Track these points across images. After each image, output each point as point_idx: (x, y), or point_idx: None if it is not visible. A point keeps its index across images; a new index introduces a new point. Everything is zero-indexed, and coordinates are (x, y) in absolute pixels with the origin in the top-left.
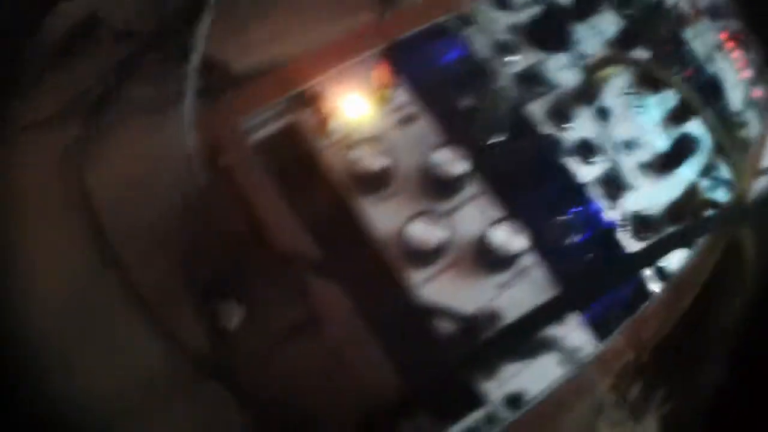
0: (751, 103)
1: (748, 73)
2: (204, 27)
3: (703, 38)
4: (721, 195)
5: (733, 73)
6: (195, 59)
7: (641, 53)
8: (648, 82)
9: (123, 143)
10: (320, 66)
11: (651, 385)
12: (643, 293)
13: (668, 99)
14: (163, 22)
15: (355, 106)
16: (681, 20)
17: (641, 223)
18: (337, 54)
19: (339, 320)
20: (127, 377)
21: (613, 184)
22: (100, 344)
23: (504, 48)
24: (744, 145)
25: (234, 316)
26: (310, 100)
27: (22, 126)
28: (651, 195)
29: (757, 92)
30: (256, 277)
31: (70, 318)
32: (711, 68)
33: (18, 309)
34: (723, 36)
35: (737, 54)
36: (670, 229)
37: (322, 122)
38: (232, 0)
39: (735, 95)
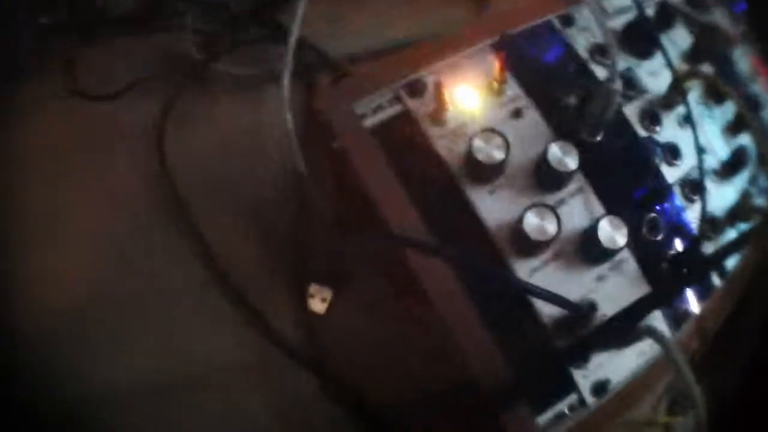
0: None
1: None
2: (301, 8)
3: (744, 60)
4: (762, 202)
5: (765, 95)
6: (293, 40)
7: (707, 68)
8: (713, 95)
9: (213, 119)
10: (431, 56)
11: (700, 377)
12: (709, 288)
13: (727, 112)
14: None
15: (470, 96)
16: (730, 41)
17: (711, 224)
18: (448, 45)
19: (448, 303)
20: (131, 375)
21: (692, 186)
22: (103, 342)
23: (601, 50)
24: None
25: (324, 299)
26: (424, 88)
27: (94, 96)
28: (718, 198)
29: None
30: (355, 262)
31: (73, 316)
32: (752, 88)
33: (20, 308)
34: (755, 61)
35: (766, 78)
36: (729, 231)
37: (437, 110)
38: None
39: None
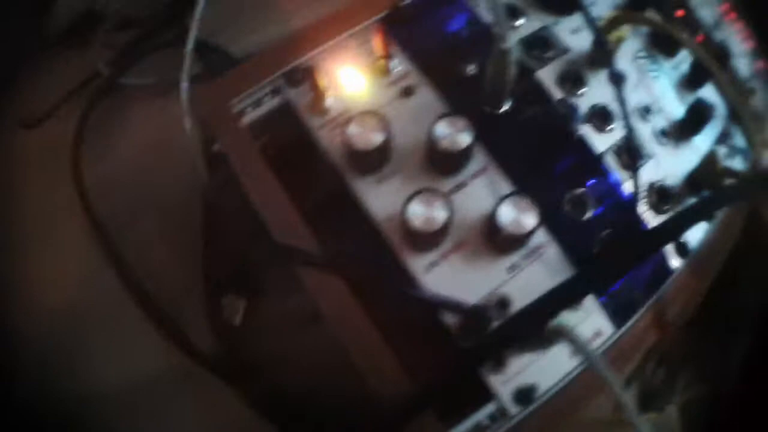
0: (755, 74)
1: (751, 44)
2: (199, 11)
3: (707, 6)
4: (738, 163)
5: (738, 42)
6: (190, 43)
7: (653, 15)
8: (661, 45)
9: (123, 133)
10: (314, 40)
11: (673, 372)
12: (665, 271)
13: (681, 64)
14: (159, 10)
15: (352, 79)
16: None
17: (661, 195)
18: (333, 27)
19: (340, 316)
20: (131, 375)
21: (631, 154)
22: (102, 342)
23: (511, 11)
24: (755, 114)
25: (238, 310)
26: (303, 77)
27: (22, 121)
28: (669, 164)
29: (760, 64)
30: (258, 270)
31: (73, 316)
32: (719, 35)
33: (20, 308)
34: (724, 8)
35: (739, 25)
36: (690, 201)
37: (317, 99)
38: None
39: (741, 64)
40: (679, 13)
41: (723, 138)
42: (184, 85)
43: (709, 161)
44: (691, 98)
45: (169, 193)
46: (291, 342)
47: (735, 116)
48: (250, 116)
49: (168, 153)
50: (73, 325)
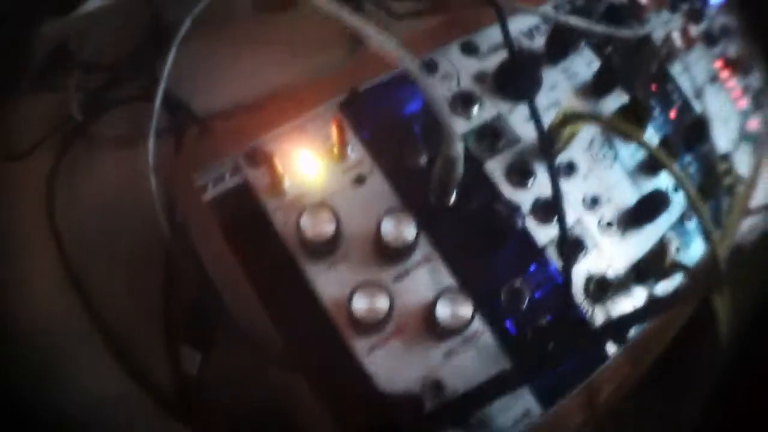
0: (745, 135)
1: (743, 103)
2: (169, 64)
3: (693, 70)
4: (696, 249)
5: (728, 105)
6: (158, 99)
7: (619, 96)
8: (619, 132)
9: (93, 180)
10: (274, 119)
11: None
12: (600, 357)
13: (640, 150)
14: (131, 56)
15: (308, 164)
16: (670, 54)
17: (600, 286)
18: (292, 106)
19: (295, 395)
20: (94, 407)
21: (573, 245)
22: (70, 371)
23: (466, 99)
24: (728, 191)
25: (195, 362)
26: (261, 158)
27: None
28: (613, 255)
29: (753, 123)
30: (214, 329)
31: (47, 342)
32: (701, 104)
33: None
34: (718, 64)
35: (733, 83)
36: (636, 288)
37: (274, 182)
38: (201, 36)
39: (727, 131)
40: (653, 87)
41: (680, 223)
42: (151, 141)
43: (658, 253)
44: (648, 184)
45: (134, 241)
46: (243, 392)
47: (693, 205)
48: (211, 192)
49: (136, 202)
50: (47, 350)
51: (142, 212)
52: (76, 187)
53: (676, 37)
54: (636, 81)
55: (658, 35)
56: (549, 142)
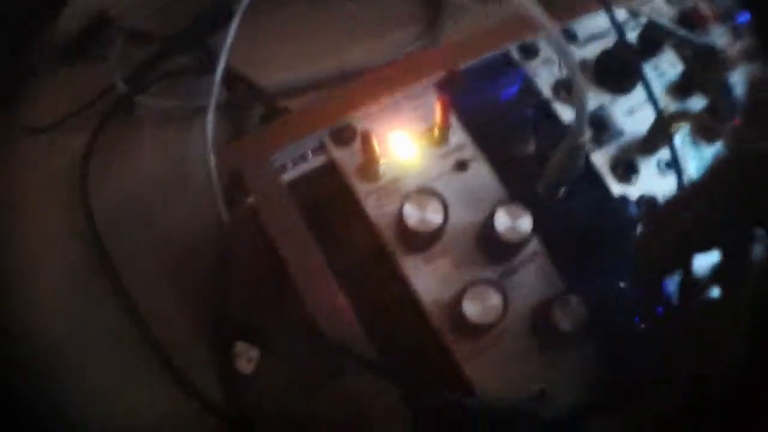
0: None
1: None
2: (231, 36)
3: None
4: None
5: None
6: (219, 71)
7: (699, 100)
8: (704, 131)
9: (137, 155)
10: (363, 98)
11: None
12: None
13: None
14: (185, 27)
15: (406, 146)
16: (729, 64)
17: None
18: (383, 85)
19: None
20: (133, 419)
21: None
22: (100, 379)
23: (569, 87)
24: None
25: (252, 360)
26: (351, 136)
27: (29, 129)
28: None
29: None
30: (276, 326)
31: (75, 348)
32: None
33: (15, 330)
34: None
35: None
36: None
37: (369, 164)
38: (262, 11)
39: None
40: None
41: None
42: (210, 117)
43: None
44: None
45: (179, 231)
46: (303, 401)
47: None
48: (292, 172)
49: (182, 187)
50: (68, 354)
51: (189, 197)
52: (117, 164)
53: (731, 50)
54: (711, 87)
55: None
56: (665, 133)
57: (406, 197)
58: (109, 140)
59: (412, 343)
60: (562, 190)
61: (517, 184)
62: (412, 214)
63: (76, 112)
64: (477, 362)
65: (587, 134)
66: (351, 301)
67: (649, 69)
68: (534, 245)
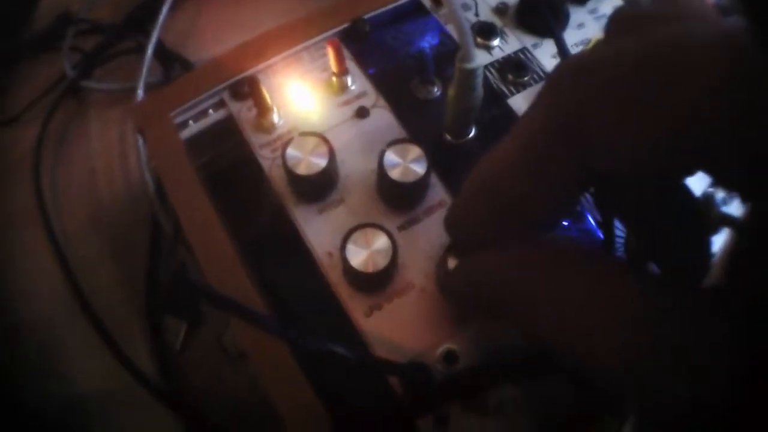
0: None
1: None
2: (162, 17)
3: None
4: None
5: None
6: (150, 48)
7: None
8: None
9: (85, 138)
10: (265, 51)
11: None
12: None
13: None
14: (128, 15)
15: (301, 96)
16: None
17: None
18: (286, 37)
19: (271, 371)
20: (76, 390)
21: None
22: (53, 355)
23: (487, 30)
24: None
25: (179, 334)
26: (249, 89)
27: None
28: None
29: None
30: (195, 294)
31: (28, 325)
32: None
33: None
34: None
35: None
36: None
37: (261, 114)
38: None
39: None
40: None
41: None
42: (140, 92)
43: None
44: None
45: (118, 207)
46: (231, 372)
47: None
48: (190, 130)
49: (121, 164)
50: (24, 333)
51: (129, 172)
52: (66, 151)
53: None
54: None
55: None
56: None
57: (288, 141)
58: (62, 125)
59: (312, 302)
60: (471, 130)
61: (425, 129)
62: (294, 157)
63: (33, 103)
64: (374, 319)
65: (476, 60)
66: (251, 266)
67: (585, 12)
68: (439, 192)
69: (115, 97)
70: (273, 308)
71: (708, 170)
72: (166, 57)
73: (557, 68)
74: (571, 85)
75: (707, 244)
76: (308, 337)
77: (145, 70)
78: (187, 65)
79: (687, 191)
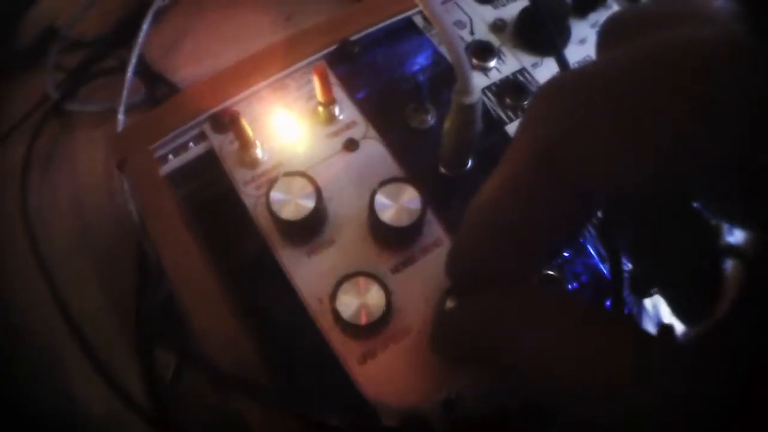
0: None
1: None
2: (142, 36)
3: None
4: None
5: None
6: (130, 69)
7: None
8: None
9: (66, 162)
10: (247, 78)
11: None
12: None
13: None
14: (111, 32)
15: (286, 127)
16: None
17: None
18: (269, 63)
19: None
20: (68, 416)
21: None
22: (44, 378)
23: (483, 51)
24: None
25: (169, 366)
26: (231, 124)
27: None
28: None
29: None
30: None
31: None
32: None
33: None
34: None
35: None
36: None
37: (244, 149)
38: (180, 9)
39: None
40: None
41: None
42: (120, 117)
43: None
44: None
45: (106, 231)
46: (224, 401)
47: None
48: (171, 164)
49: (107, 186)
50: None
51: (114, 195)
52: (51, 172)
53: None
54: None
55: None
56: None
57: (273, 182)
58: (48, 146)
59: (303, 348)
60: (468, 163)
61: (418, 163)
62: (279, 200)
63: (18, 124)
64: (369, 367)
65: (476, 93)
66: (238, 307)
67: (586, 26)
68: (435, 230)
69: (99, 117)
70: (262, 358)
71: (711, 190)
72: (149, 76)
73: (538, 91)
74: (554, 109)
75: (718, 272)
76: (307, 406)
77: (125, 92)
78: (168, 84)
79: (698, 216)
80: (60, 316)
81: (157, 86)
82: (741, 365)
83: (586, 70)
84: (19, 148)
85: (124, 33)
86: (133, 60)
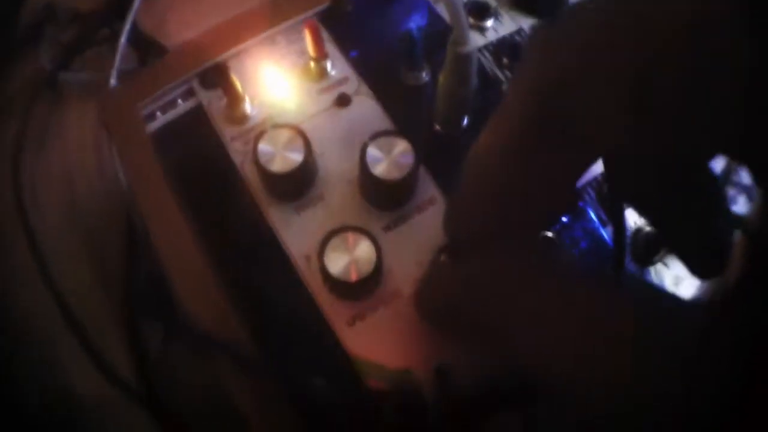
0: None
1: None
2: (136, 3)
3: None
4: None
5: None
6: (123, 35)
7: None
8: None
9: (63, 131)
10: (238, 35)
11: None
12: None
13: None
14: (106, 4)
15: (276, 83)
16: None
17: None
18: (261, 20)
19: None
20: (57, 394)
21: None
22: (33, 356)
23: (480, 10)
24: None
25: (156, 339)
26: (219, 77)
27: None
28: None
29: None
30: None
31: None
32: None
33: None
34: None
35: None
36: None
37: (232, 104)
38: None
39: None
40: None
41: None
42: (112, 81)
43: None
44: None
45: (96, 203)
46: (210, 373)
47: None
48: (160, 121)
49: (97, 157)
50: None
51: (105, 167)
52: (45, 147)
53: None
54: None
55: None
56: None
57: (260, 135)
58: (42, 120)
59: (291, 310)
60: (463, 121)
61: (412, 119)
62: (266, 153)
63: (12, 98)
64: (357, 329)
65: (471, 43)
66: (224, 272)
67: None
68: (429, 189)
69: (92, 87)
70: (248, 320)
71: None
72: (142, 44)
73: (528, 40)
74: (546, 59)
75: (729, 231)
76: (291, 371)
77: (117, 58)
78: (161, 50)
79: (711, 174)
80: (49, 293)
81: (149, 53)
82: (741, 364)
83: (578, 16)
84: (13, 122)
85: (118, 4)
86: (127, 26)
